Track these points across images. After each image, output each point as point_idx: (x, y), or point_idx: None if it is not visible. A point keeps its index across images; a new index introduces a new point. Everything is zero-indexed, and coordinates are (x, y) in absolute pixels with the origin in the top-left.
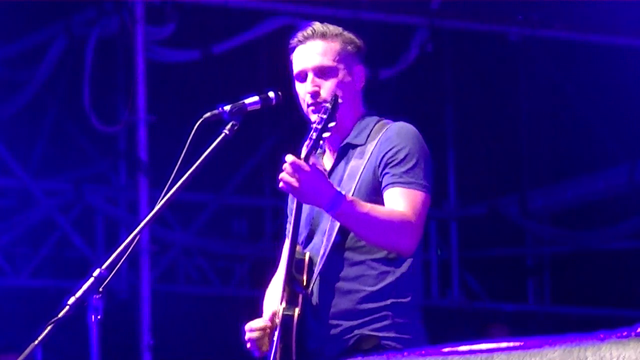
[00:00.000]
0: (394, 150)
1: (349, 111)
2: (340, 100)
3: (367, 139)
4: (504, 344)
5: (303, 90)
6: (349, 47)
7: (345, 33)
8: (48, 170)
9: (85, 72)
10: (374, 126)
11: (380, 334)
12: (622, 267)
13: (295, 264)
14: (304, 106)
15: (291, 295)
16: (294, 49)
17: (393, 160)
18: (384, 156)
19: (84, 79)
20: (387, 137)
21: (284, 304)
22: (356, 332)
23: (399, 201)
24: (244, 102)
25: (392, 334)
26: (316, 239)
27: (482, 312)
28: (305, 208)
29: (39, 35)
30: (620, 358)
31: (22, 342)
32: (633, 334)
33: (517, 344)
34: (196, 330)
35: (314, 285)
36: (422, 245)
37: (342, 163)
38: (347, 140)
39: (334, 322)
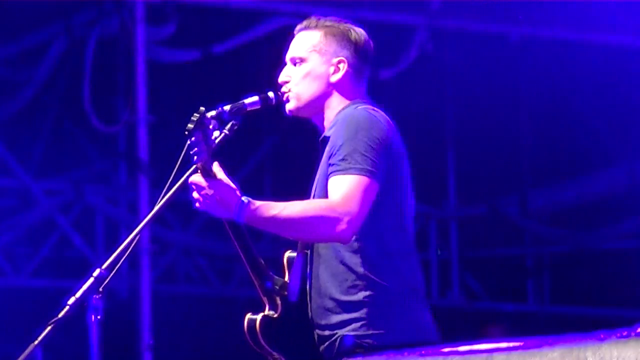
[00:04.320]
0: (335, 139)
1: (322, 102)
2: (196, 116)
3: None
4: (504, 344)
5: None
6: (332, 39)
7: (338, 25)
8: (48, 170)
9: (85, 72)
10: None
11: (358, 333)
12: (622, 267)
13: (287, 265)
14: None
15: (271, 299)
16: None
17: (333, 151)
18: (330, 148)
19: (84, 79)
20: (335, 128)
21: (266, 309)
22: (338, 332)
23: (332, 190)
24: (244, 102)
25: (370, 332)
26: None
27: (482, 312)
28: None
29: (39, 35)
30: (620, 358)
31: (22, 342)
32: (633, 334)
33: (517, 344)
34: (196, 330)
35: (307, 287)
36: (421, 245)
37: (321, 159)
38: (324, 133)
39: (321, 322)
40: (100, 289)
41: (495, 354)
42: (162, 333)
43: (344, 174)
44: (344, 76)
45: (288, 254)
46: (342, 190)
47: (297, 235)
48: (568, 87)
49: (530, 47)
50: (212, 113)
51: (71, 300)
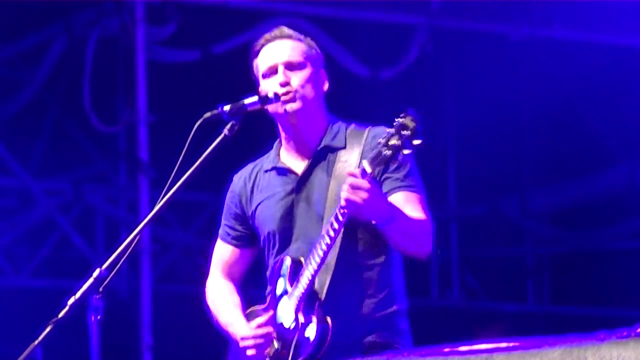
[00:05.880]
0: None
1: (318, 111)
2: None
3: (346, 143)
4: (503, 344)
5: (273, 82)
6: (314, 51)
7: (309, 39)
8: (48, 170)
9: (85, 72)
10: (346, 130)
11: (392, 340)
12: (622, 267)
13: (293, 270)
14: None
15: (307, 304)
16: (258, 51)
17: (390, 166)
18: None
19: (84, 79)
20: (374, 143)
21: (301, 315)
22: (367, 338)
23: (408, 205)
24: (243, 102)
25: (398, 339)
26: (301, 245)
27: (482, 312)
28: (276, 210)
29: (39, 35)
30: (620, 358)
31: (22, 342)
32: (633, 334)
33: (517, 344)
34: (196, 330)
35: (325, 293)
36: None
37: (321, 166)
38: (324, 143)
39: (343, 329)
40: (100, 289)
41: (495, 354)
42: (162, 333)
43: (415, 192)
44: (327, 88)
45: (288, 260)
46: (421, 207)
47: (410, 244)
48: (568, 87)
49: (530, 47)
50: (212, 113)
51: (71, 300)
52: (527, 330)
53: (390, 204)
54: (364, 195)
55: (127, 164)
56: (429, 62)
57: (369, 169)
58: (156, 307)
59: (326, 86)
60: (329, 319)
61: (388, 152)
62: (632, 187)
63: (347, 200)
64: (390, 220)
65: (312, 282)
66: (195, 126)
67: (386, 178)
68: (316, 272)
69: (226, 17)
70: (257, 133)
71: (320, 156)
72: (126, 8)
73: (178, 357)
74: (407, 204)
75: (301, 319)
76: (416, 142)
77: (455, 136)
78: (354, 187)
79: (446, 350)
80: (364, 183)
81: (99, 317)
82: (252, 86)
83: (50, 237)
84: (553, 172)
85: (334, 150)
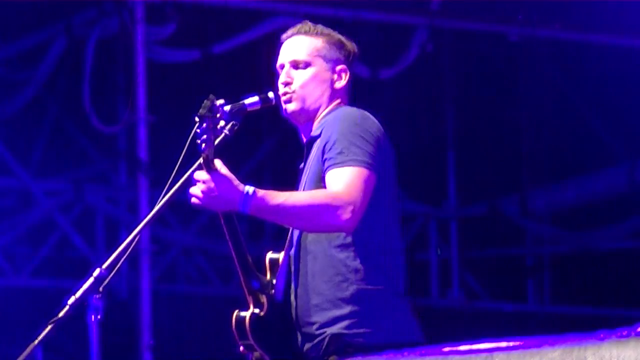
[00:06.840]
0: (329, 135)
1: (320, 107)
2: (207, 103)
3: (322, 130)
4: (503, 344)
5: (279, 81)
6: (334, 47)
7: (334, 34)
8: (48, 170)
9: (85, 72)
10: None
11: (349, 332)
12: (622, 267)
13: (269, 265)
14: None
15: (257, 298)
16: (281, 45)
17: (327, 145)
18: (323, 145)
19: (84, 79)
20: (326, 126)
21: (251, 307)
22: (327, 331)
23: (333, 182)
24: (243, 102)
25: (362, 330)
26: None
27: (482, 312)
28: None
29: (39, 35)
30: (620, 358)
31: (22, 342)
32: (633, 334)
33: (517, 343)
34: (196, 330)
35: (292, 285)
36: (421, 245)
37: (308, 159)
38: (311, 134)
39: (309, 320)
40: (100, 289)
41: (495, 354)
42: (162, 333)
43: (343, 167)
44: (346, 84)
45: (270, 254)
46: (343, 181)
47: (302, 224)
48: (568, 87)
49: (530, 47)
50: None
51: (71, 300)
52: (527, 330)
53: (240, 192)
54: (202, 186)
55: (127, 164)
56: (429, 62)
57: (204, 157)
58: (156, 307)
59: (341, 83)
60: (248, 312)
61: (212, 137)
62: (632, 187)
63: (190, 195)
64: (245, 207)
65: (244, 277)
66: (196, 126)
67: (324, 160)
68: (242, 270)
69: (226, 17)
70: (257, 133)
71: (308, 150)
72: (126, 8)
73: (178, 357)
74: (332, 180)
75: (251, 307)
76: (229, 125)
77: (455, 136)
78: (196, 181)
79: (446, 350)
80: (201, 175)
81: (98, 317)
82: (252, 86)
83: (50, 237)
84: (553, 172)
85: (315, 139)
